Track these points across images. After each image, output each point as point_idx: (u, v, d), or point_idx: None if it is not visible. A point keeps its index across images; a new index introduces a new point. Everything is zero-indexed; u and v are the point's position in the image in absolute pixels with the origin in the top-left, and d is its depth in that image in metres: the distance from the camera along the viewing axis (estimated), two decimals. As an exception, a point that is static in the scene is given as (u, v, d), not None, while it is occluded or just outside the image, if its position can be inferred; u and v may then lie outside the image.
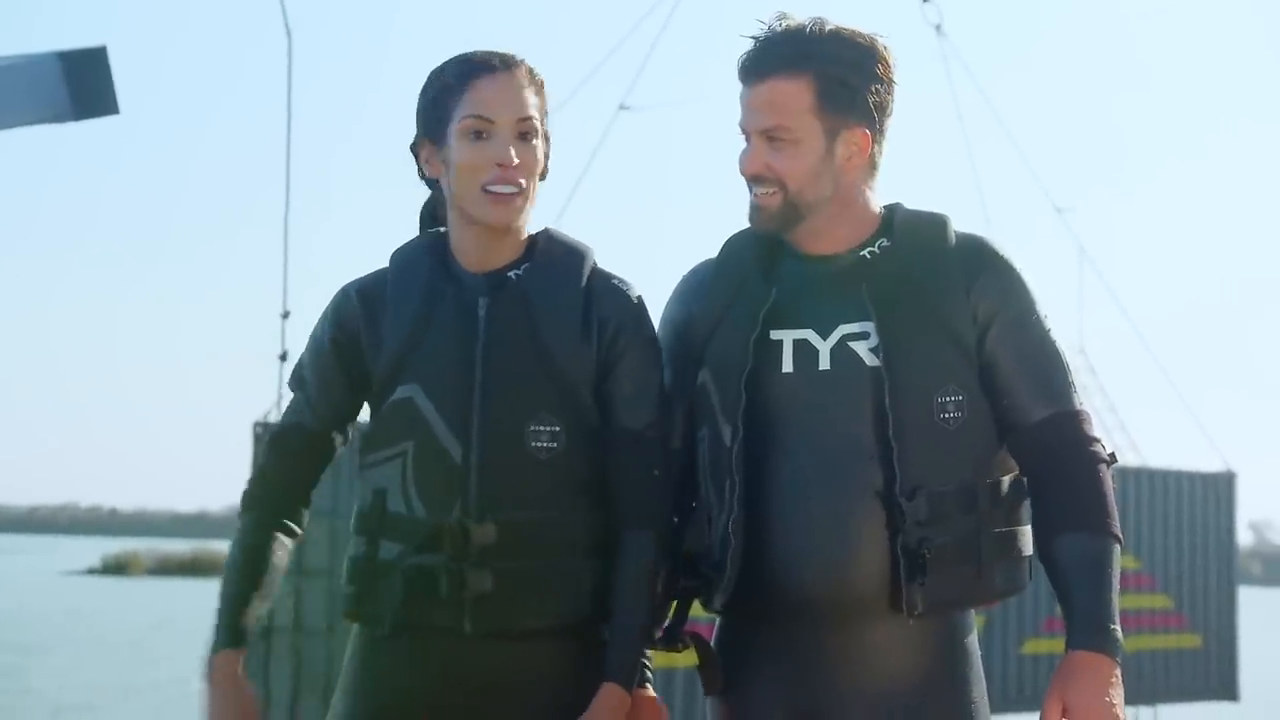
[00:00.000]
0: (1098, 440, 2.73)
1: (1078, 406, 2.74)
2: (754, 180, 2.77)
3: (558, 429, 2.72)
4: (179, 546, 63.53)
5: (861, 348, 2.72)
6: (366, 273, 2.86)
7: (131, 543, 71.62)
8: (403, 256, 2.85)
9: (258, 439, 12.82)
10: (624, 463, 2.75)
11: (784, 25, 2.77)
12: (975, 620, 2.81)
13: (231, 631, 2.76)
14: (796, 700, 2.72)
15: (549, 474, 2.72)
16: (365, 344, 2.78)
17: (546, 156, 2.83)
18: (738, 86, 2.80)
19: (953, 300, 2.72)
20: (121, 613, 33.99)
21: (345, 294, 2.83)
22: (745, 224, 2.90)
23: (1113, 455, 2.74)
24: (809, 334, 2.76)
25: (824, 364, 2.73)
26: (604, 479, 2.75)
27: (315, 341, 2.84)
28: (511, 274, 2.79)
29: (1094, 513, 2.65)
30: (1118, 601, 2.63)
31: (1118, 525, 2.68)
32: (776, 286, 2.79)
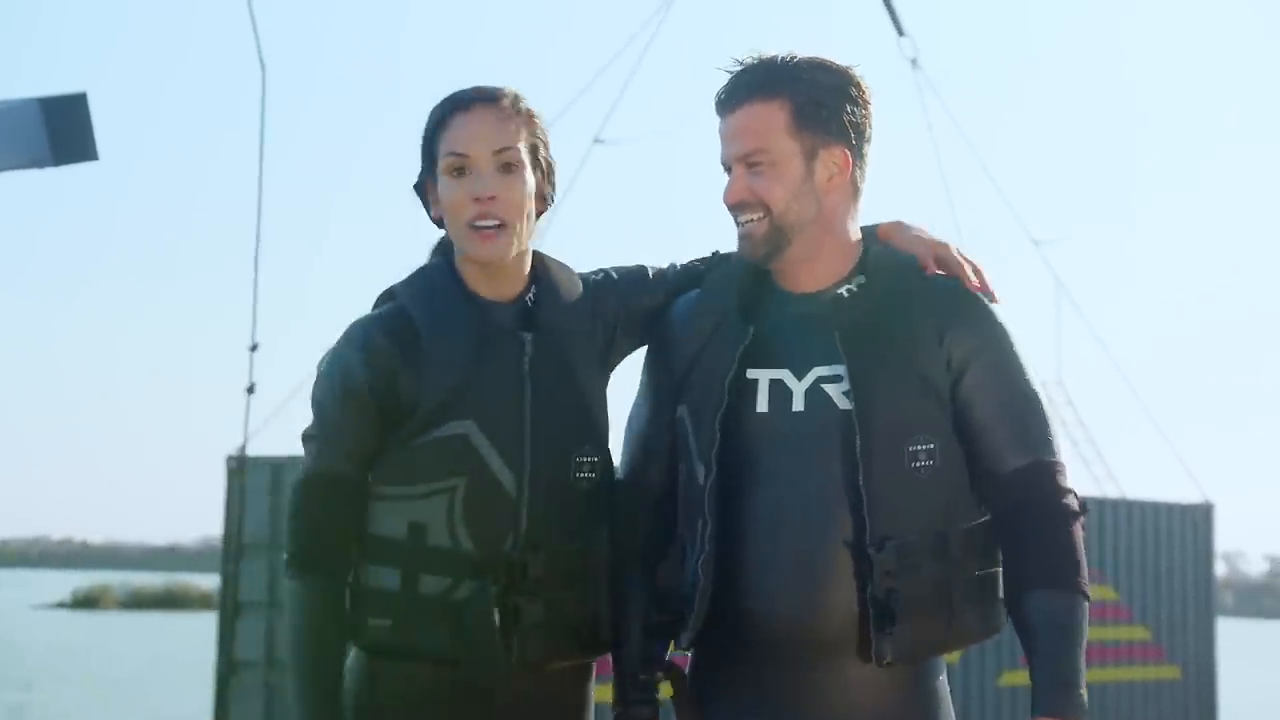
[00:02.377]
0: (1071, 492, 2.71)
1: (1054, 457, 2.72)
2: (738, 208, 2.76)
3: (596, 459, 2.80)
4: (151, 580, 63.17)
5: (835, 391, 2.70)
6: (371, 311, 2.82)
7: (103, 576, 71.19)
8: (422, 291, 2.81)
9: (231, 473, 12.76)
10: None
11: (757, 57, 2.77)
12: (952, 654, 2.80)
13: None
14: None
15: (586, 504, 2.79)
16: (403, 382, 2.73)
17: (551, 184, 2.83)
18: (715, 122, 2.79)
19: (925, 345, 2.70)
20: (101, 647, 33.75)
21: (368, 335, 2.76)
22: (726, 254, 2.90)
23: (1084, 506, 2.72)
24: (785, 374, 2.74)
25: (798, 405, 2.72)
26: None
27: (346, 388, 2.74)
28: (527, 299, 2.81)
29: (1062, 570, 2.64)
30: (1083, 662, 2.62)
31: (1086, 582, 2.66)
32: (755, 324, 2.77)
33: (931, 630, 2.66)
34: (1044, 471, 2.69)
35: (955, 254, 2.81)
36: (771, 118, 2.72)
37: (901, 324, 2.72)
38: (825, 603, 2.65)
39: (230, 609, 12.67)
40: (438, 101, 2.82)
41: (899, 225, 2.88)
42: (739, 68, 2.77)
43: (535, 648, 2.73)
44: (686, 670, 2.83)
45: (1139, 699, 15.98)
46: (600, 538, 2.82)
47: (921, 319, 2.72)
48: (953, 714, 2.79)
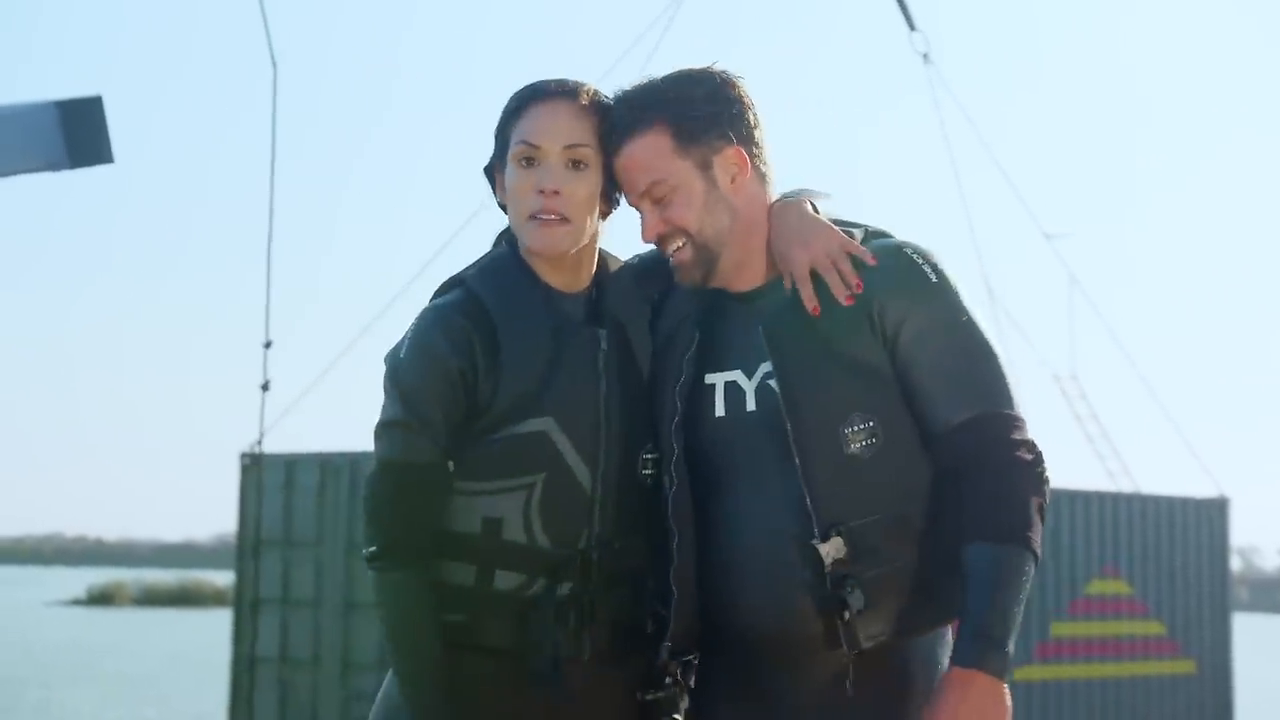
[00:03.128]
0: (1023, 443, 2.63)
1: (1004, 410, 2.64)
2: (660, 242, 2.75)
3: (655, 455, 2.79)
4: (165, 577, 63.27)
5: (776, 385, 2.67)
6: (444, 296, 2.78)
7: (117, 573, 71.37)
8: (495, 279, 2.78)
9: (245, 469, 12.79)
10: None
11: (627, 91, 2.75)
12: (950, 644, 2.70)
13: (449, 714, 2.66)
14: None
15: (646, 500, 2.78)
16: (482, 372, 2.69)
17: (618, 187, 2.79)
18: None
19: (852, 325, 2.66)
20: (116, 644, 33.82)
21: (449, 319, 2.72)
22: None
23: (1039, 457, 2.62)
24: (738, 375, 2.74)
25: (750, 405, 2.72)
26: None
27: (435, 369, 2.69)
28: (591, 293, 2.81)
29: (1003, 522, 2.57)
30: (1016, 615, 2.55)
31: (1033, 533, 2.57)
32: (707, 330, 2.77)
33: (905, 611, 2.62)
34: (987, 424, 2.61)
35: (825, 259, 2.69)
36: (655, 145, 2.71)
37: (825, 309, 2.67)
38: (789, 601, 2.64)
39: (245, 605, 12.70)
40: (519, 89, 2.80)
41: (784, 208, 2.79)
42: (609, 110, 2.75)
43: (605, 642, 2.73)
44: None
45: (1154, 694, 15.93)
46: (651, 534, 2.81)
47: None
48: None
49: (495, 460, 2.69)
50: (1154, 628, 15.99)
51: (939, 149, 19.72)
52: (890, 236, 2.78)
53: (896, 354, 2.65)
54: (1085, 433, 18.99)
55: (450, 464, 2.70)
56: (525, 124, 2.74)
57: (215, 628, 25.59)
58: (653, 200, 2.72)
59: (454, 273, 2.84)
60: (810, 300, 2.68)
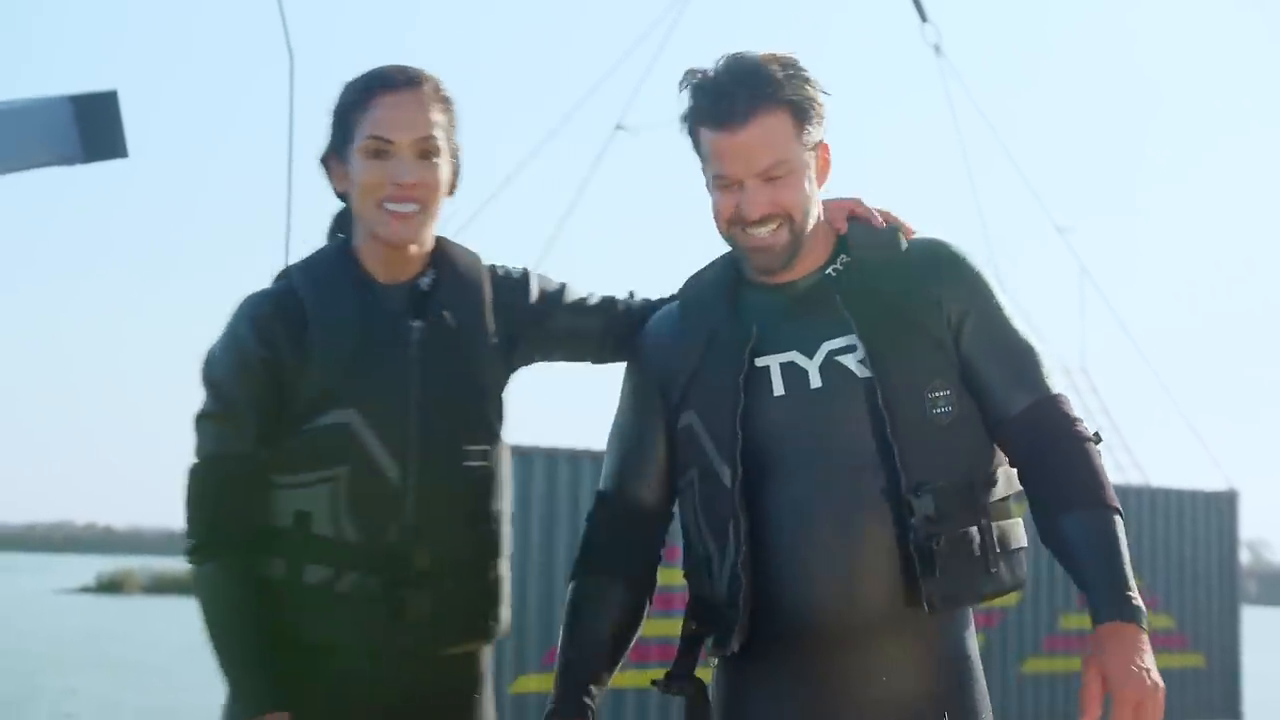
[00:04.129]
0: (1080, 420, 2.75)
1: (1055, 391, 2.76)
2: (761, 222, 2.74)
3: (487, 447, 2.77)
4: (174, 564, 63.39)
5: (850, 360, 2.72)
6: (264, 286, 2.79)
7: (126, 561, 71.53)
8: (313, 271, 2.79)
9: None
10: None
11: (726, 67, 2.74)
12: (976, 638, 2.80)
13: (273, 694, 2.63)
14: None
15: (478, 494, 2.77)
16: (289, 364, 2.69)
17: (456, 173, 2.82)
18: (689, 137, 2.77)
19: (925, 304, 2.74)
20: (127, 632, 33.93)
21: (259, 310, 2.73)
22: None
23: (1097, 434, 2.75)
24: (795, 355, 2.75)
25: (815, 382, 2.73)
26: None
27: (240, 361, 2.70)
28: (422, 283, 2.80)
29: (1090, 489, 2.67)
30: (1130, 571, 2.62)
31: (1115, 498, 2.68)
32: (752, 321, 2.78)
33: (970, 577, 2.68)
34: (1049, 405, 2.73)
35: (863, 205, 2.89)
36: (782, 127, 2.71)
37: (898, 288, 2.75)
38: (867, 566, 2.65)
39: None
40: (356, 77, 2.80)
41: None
42: (723, 79, 2.73)
43: (421, 638, 2.70)
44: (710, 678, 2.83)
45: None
46: (495, 528, 2.80)
47: (915, 282, 2.75)
48: (985, 688, 2.79)
49: (302, 453, 2.68)
50: (1163, 621, 15.99)
51: (950, 141, 19.75)
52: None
53: (960, 342, 2.74)
54: (1095, 425, 18.97)
55: (264, 454, 2.69)
56: (374, 116, 2.73)
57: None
58: (766, 179, 2.72)
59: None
60: (879, 221, 2.85)
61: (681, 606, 2.86)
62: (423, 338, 2.76)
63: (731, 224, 2.75)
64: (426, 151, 2.75)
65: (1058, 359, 19.17)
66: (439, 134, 2.76)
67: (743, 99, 2.70)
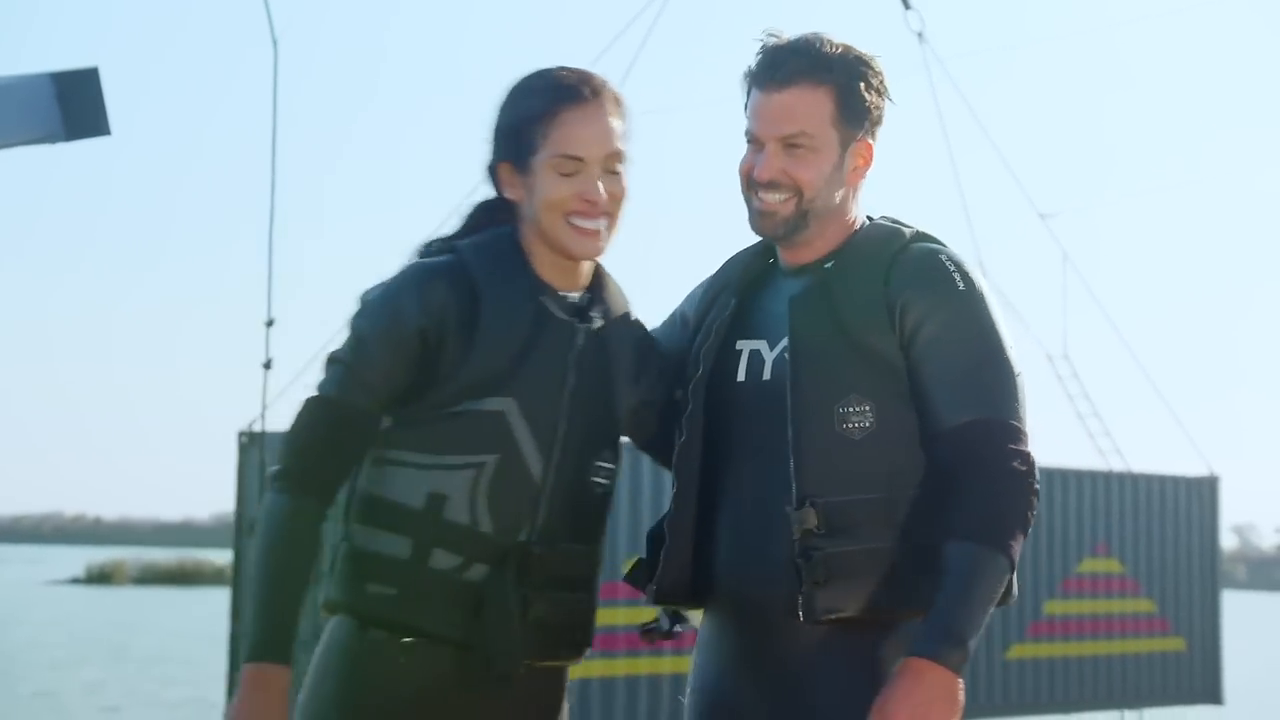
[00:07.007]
0: (1019, 454, 2.66)
1: (1004, 417, 2.68)
2: (768, 186, 2.80)
3: (612, 466, 2.79)
4: (163, 555, 63.25)
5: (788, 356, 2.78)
6: (433, 258, 2.75)
7: (116, 552, 71.32)
8: (489, 257, 2.73)
9: (243, 448, 12.81)
10: None
11: (798, 37, 2.82)
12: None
13: (283, 645, 2.59)
14: (722, 690, 2.82)
15: (598, 510, 2.79)
16: (453, 342, 2.65)
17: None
18: (737, 92, 2.84)
19: (872, 313, 2.74)
20: (117, 623, 33.87)
21: (430, 282, 2.68)
22: (736, 234, 2.96)
23: (1032, 470, 2.67)
24: (762, 345, 2.84)
25: (767, 374, 2.81)
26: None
27: (395, 324, 2.65)
28: (581, 296, 2.79)
29: (982, 522, 2.62)
30: (982, 617, 2.60)
31: (1014, 543, 2.62)
32: (746, 299, 2.88)
33: (874, 593, 2.66)
34: (988, 429, 2.65)
35: None
36: (819, 104, 2.77)
37: (852, 294, 2.75)
38: (765, 567, 2.73)
39: (244, 583, 12.74)
40: (529, 81, 2.76)
41: None
42: (777, 41, 2.81)
43: (532, 644, 2.68)
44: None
45: (1144, 671, 16.04)
46: (601, 549, 2.81)
47: (875, 289, 2.75)
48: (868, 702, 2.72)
49: (450, 434, 2.65)
50: (1145, 606, 16.09)
51: (934, 128, 19.75)
52: (938, 241, 2.86)
53: (911, 351, 2.72)
54: (1077, 412, 19.02)
55: (383, 419, 2.67)
56: (563, 134, 2.70)
57: (214, 606, 25.64)
58: (785, 146, 2.77)
59: (442, 235, 2.83)
60: None
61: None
62: (584, 343, 2.74)
63: (747, 183, 2.83)
64: (613, 164, 2.73)
65: (1040, 346, 19.24)
66: (623, 145, 2.74)
67: (789, 66, 2.77)
